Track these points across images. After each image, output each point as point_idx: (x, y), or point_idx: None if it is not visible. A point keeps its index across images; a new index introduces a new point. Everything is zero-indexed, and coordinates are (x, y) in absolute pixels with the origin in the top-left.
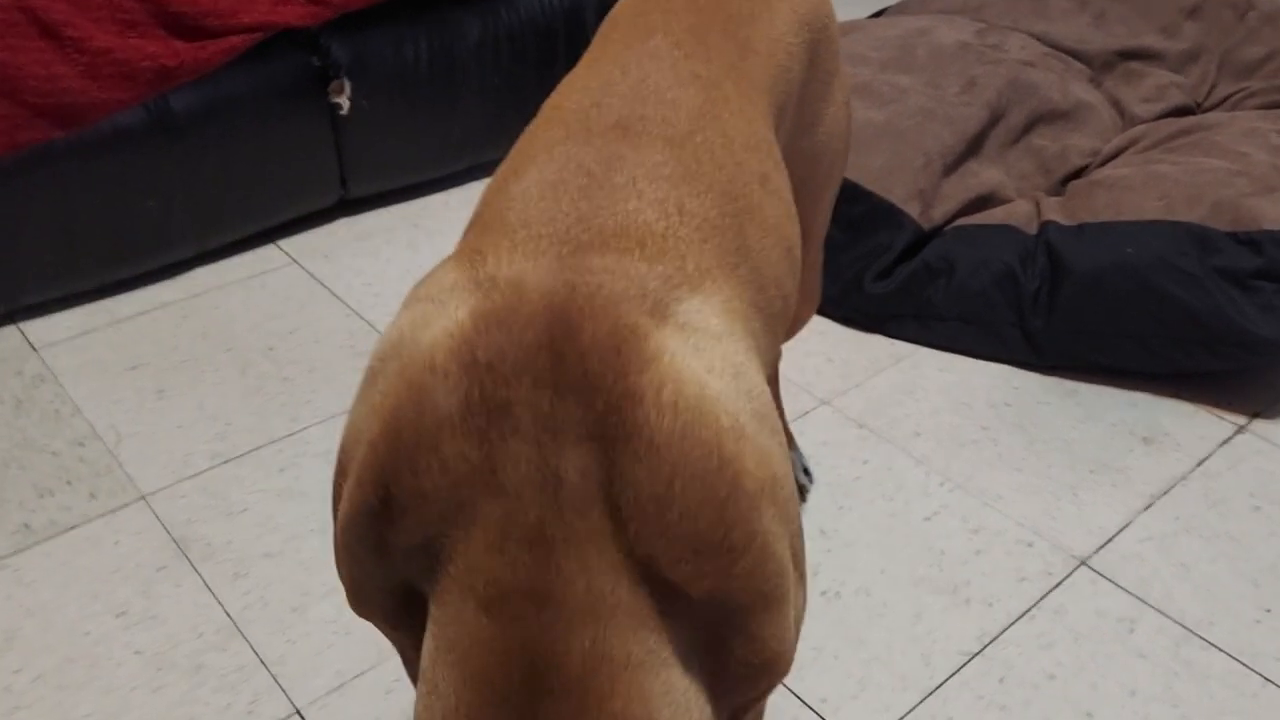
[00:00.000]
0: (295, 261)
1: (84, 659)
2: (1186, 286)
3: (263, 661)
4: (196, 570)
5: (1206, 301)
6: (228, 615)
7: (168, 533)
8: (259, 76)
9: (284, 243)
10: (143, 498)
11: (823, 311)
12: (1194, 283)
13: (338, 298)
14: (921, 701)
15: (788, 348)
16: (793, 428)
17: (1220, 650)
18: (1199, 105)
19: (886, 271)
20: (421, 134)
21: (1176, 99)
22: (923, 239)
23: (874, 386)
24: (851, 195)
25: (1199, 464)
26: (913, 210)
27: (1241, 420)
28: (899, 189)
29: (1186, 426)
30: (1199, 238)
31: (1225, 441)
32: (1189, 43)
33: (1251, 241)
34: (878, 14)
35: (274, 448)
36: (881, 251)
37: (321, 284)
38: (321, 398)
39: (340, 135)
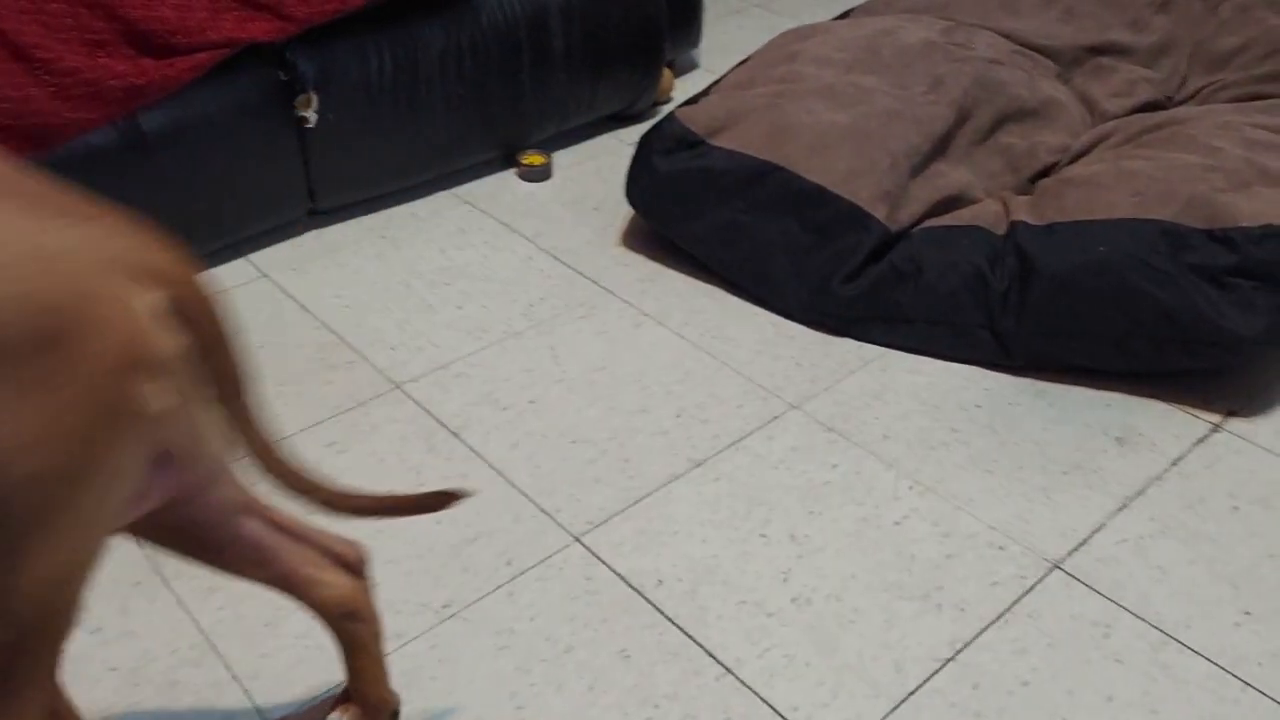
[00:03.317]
0: (265, 275)
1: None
2: (1160, 285)
3: (235, 677)
4: (170, 587)
5: (1181, 300)
6: (201, 631)
7: (140, 549)
8: (226, 93)
9: (253, 256)
10: None
11: (791, 315)
12: (1168, 281)
13: (307, 310)
14: (894, 709)
15: (757, 352)
16: (763, 433)
17: (1199, 654)
18: (1170, 99)
19: (854, 274)
20: (388, 145)
21: (1147, 94)
22: (890, 241)
23: (843, 390)
24: (818, 198)
25: (1174, 464)
26: (880, 212)
27: (1217, 419)
28: (865, 191)
29: (1161, 426)
30: (1172, 235)
31: (1201, 440)
32: (1159, 36)
33: (1226, 238)
34: (843, 15)
35: (245, 463)
36: (849, 254)
37: (291, 297)
38: (292, 411)
39: (307, 148)
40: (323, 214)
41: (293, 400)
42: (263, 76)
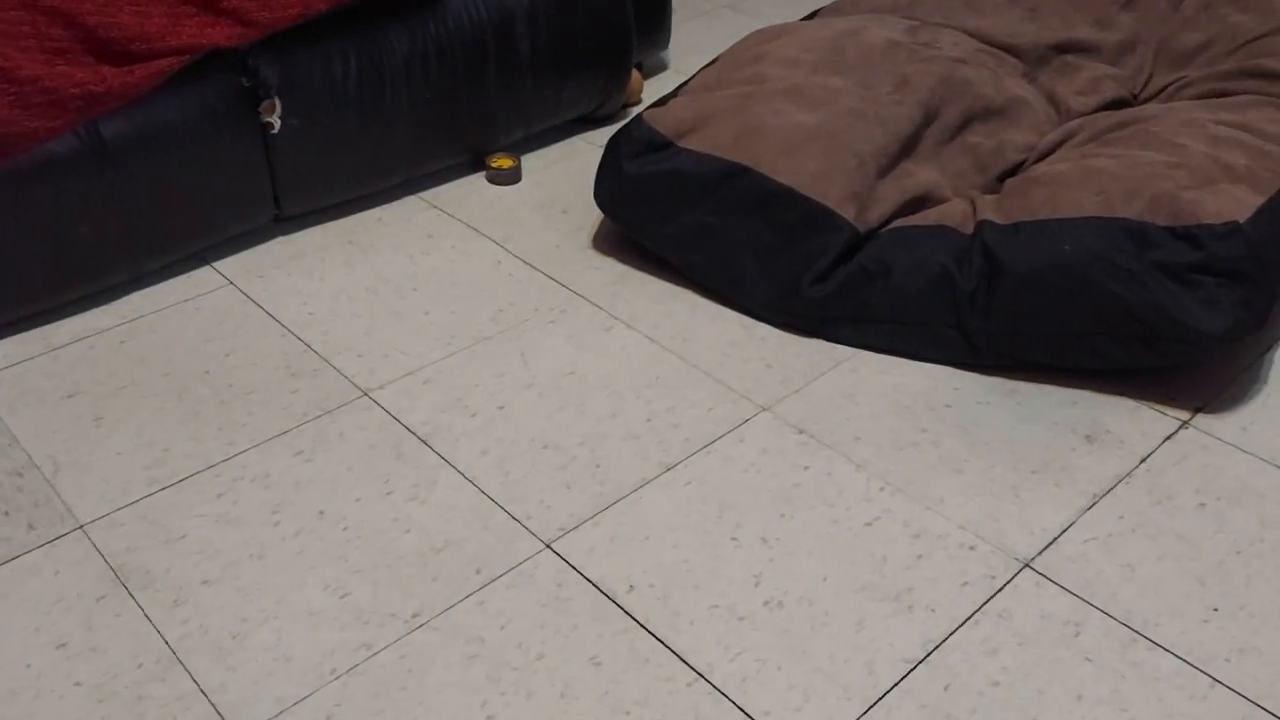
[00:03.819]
0: (230, 283)
1: (26, 691)
2: (1126, 283)
3: (202, 690)
4: (135, 599)
5: (1146, 297)
6: (167, 644)
7: (106, 562)
8: (189, 99)
9: (219, 264)
10: (81, 527)
11: (760, 316)
12: (1133, 279)
13: (273, 318)
14: (866, 712)
15: (727, 354)
16: (733, 436)
17: (1168, 651)
18: (1135, 97)
19: (823, 275)
20: (353, 150)
21: (1112, 91)
22: (859, 241)
23: (813, 391)
24: (786, 199)
25: (1142, 461)
26: (848, 213)
27: (1185, 415)
28: (834, 192)
29: (1129, 423)
30: (1137, 233)
31: (1169, 437)
32: (1124, 33)
33: (1190, 236)
34: (810, 15)
35: (211, 472)
36: (817, 255)
37: (257, 305)
38: (258, 420)
39: (272, 154)
40: (288, 220)
41: (259, 409)
42: (225, 83)
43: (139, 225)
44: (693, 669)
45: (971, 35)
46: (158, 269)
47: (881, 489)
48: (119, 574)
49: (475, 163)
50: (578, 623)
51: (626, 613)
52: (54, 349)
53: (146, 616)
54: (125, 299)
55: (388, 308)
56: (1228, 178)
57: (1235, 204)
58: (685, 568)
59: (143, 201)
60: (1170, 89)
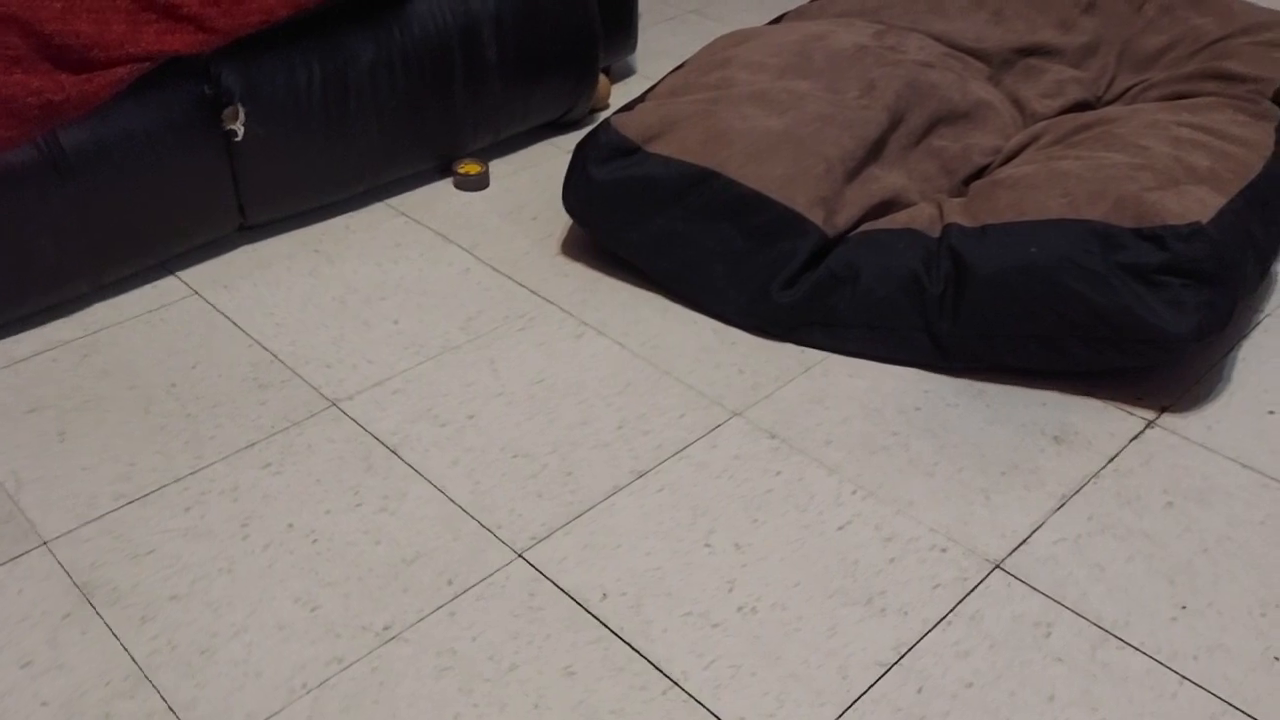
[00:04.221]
0: (196, 293)
1: None
2: (1092, 285)
3: (171, 708)
4: (102, 616)
5: (1112, 299)
6: (134, 661)
7: (72, 579)
8: (150, 108)
9: (183, 274)
10: (45, 544)
11: (731, 322)
12: (1099, 281)
13: (239, 328)
14: (840, 716)
15: (698, 360)
16: (705, 442)
17: (1137, 650)
18: (1099, 99)
19: (792, 280)
20: (318, 158)
21: (1076, 94)
22: (827, 246)
23: (784, 396)
24: (755, 204)
25: (1110, 461)
26: (816, 217)
27: (1151, 415)
28: (801, 196)
29: (1096, 423)
30: (1102, 235)
31: (1136, 437)
32: (1087, 36)
33: (1155, 237)
34: (776, 20)
35: (178, 486)
36: (786, 260)
37: (223, 315)
38: (225, 433)
39: (236, 163)
40: (254, 229)
41: (226, 421)
42: (187, 90)
43: (101, 236)
44: (667, 677)
45: (937, 39)
46: (121, 279)
47: (853, 493)
48: (85, 590)
49: (443, 169)
50: (550, 632)
51: (600, 621)
52: (15, 362)
53: (114, 633)
54: (88, 310)
55: (356, 317)
56: (1191, 178)
57: (1199, 205)
58: (658, 575)
59: (104, 212)
60: (1133, 91)
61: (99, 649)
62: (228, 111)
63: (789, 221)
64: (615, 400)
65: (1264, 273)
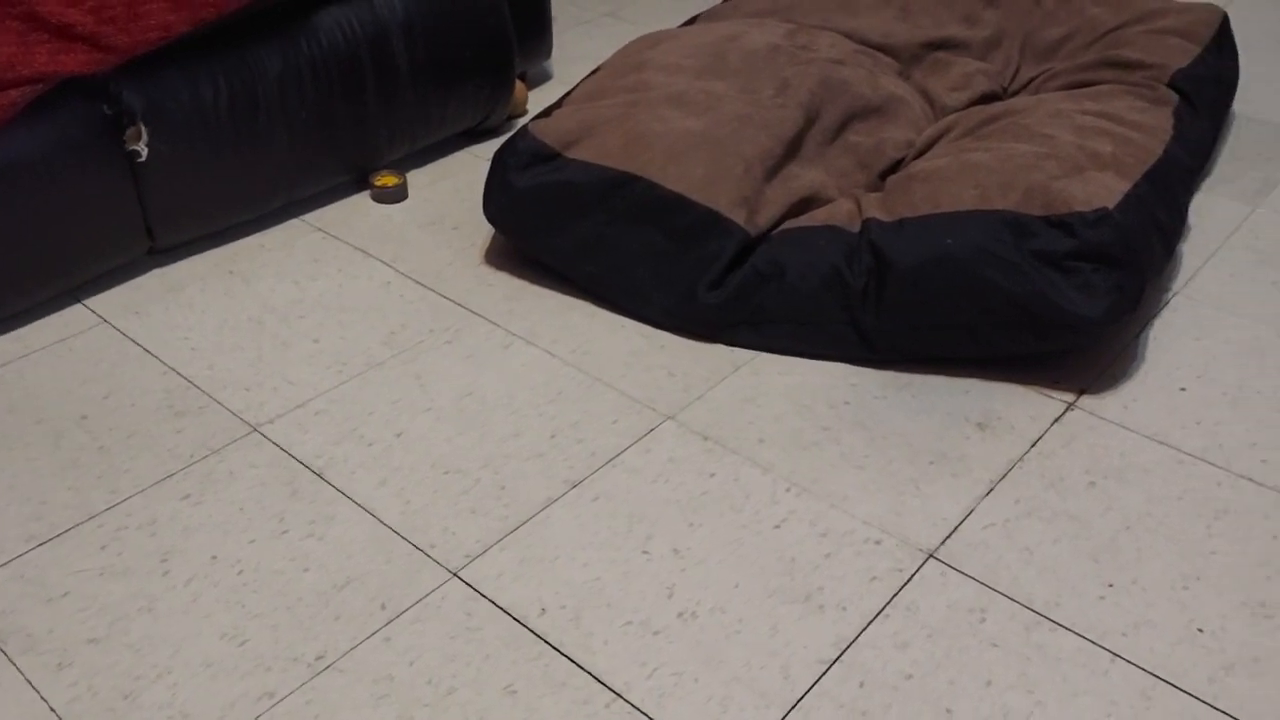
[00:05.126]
0: (105, 321)
1: None
2: (1006, 273)
3: None
4: (16, 664)
5: (1027, 286)
6: (53, 711)
7: None
8: (48, 130)
9: (90, 302)
10: None
11: (659, 324)
12: (1013, 269)
13: (152, 355)
14: (785, 716)
15: (629, 364)
16: (639, 447)
17: (1069, 630)
18: (1005, 90)
19: (718, 280)
20: (229, 175)
21: (983, 86)
22: (751, 245)
23: (715, 397)
24: (677, 206)
25: (1033, 444)
26: (739, 217)
27: (1070, 397)
28: (723, 197)
29: (1019, 408)
30: (1014, 224)
31: (1057, 419)
32: (991, 29)
33: (1063, 224)
34: (689, 21)
35: (93, 523)
36: (711, 260)
37: (134, 342)
38: (141, 464)
39: (142, 184)
40: (164, 252)
41: (141, 452)
42: (87, 111)
43: (1, 265)
44: (610, 689)
45: (848, 36)
46: (24, 310)
47: (787, 490)
48: None
49: (359, 182)
50: (490, 652)
51: (539, 637)
52: None
53: (29, 682)
54: None
55: (274, 337)
56: (1095, 165)
57: (1104, 191)
58: (597, 586)
59: (4, 241)
60: (1037, 81)
61: (13, 699)
62: (130, 131)
63: (712, 222)
64: (547, 410)
65: (1169, 253)
